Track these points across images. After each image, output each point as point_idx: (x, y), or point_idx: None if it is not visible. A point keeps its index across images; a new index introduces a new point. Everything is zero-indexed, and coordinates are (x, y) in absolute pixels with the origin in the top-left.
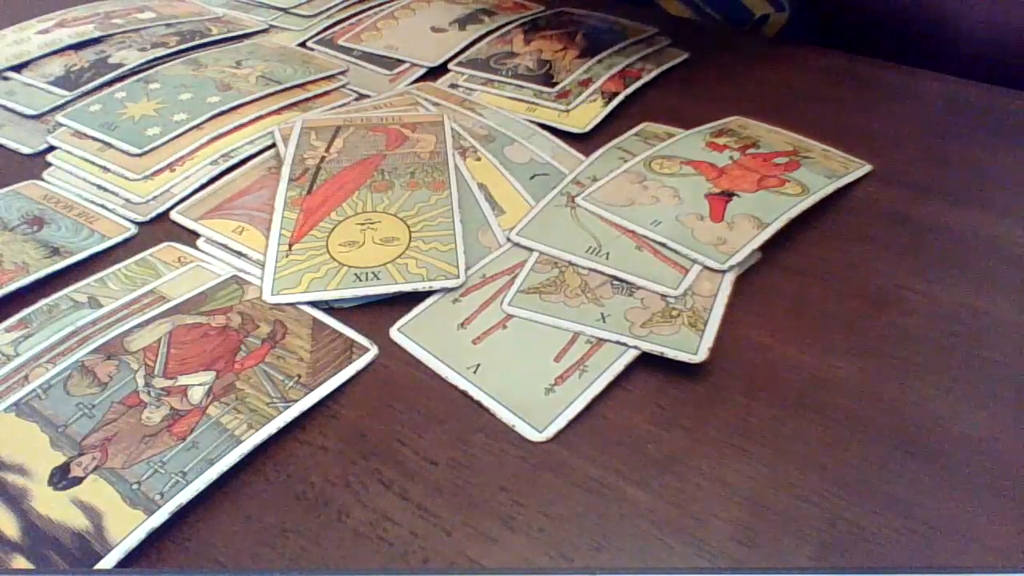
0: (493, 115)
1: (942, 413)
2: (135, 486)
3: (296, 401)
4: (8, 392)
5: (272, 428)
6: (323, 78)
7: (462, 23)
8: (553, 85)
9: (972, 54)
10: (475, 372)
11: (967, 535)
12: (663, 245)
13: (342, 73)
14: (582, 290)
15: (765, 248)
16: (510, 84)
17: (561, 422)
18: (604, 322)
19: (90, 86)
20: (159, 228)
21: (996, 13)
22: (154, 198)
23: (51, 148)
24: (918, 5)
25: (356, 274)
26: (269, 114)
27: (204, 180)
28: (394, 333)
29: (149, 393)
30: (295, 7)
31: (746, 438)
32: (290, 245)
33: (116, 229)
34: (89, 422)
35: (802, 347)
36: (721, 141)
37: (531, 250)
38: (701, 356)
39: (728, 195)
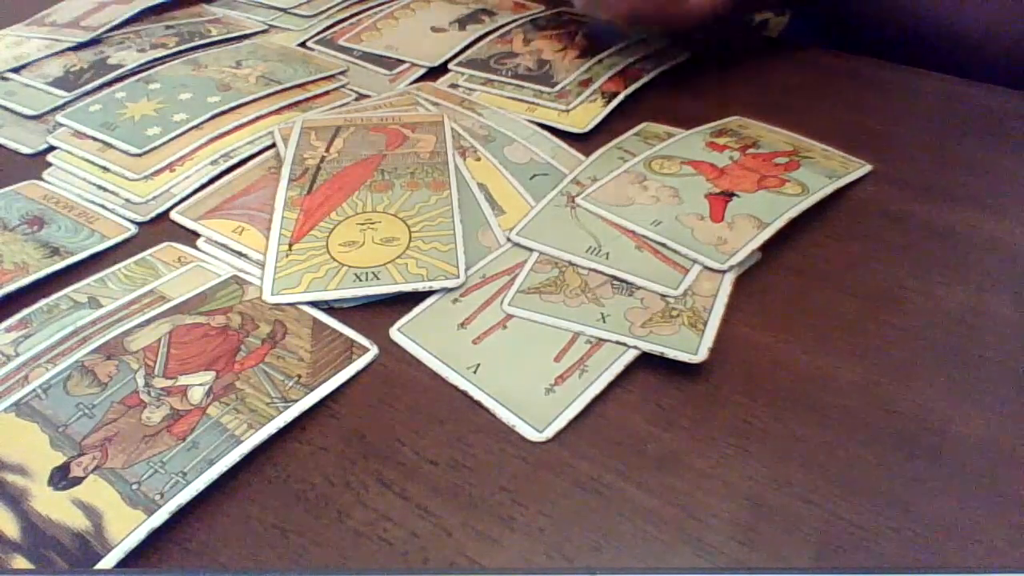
0: (493, 115)
1: (942, 413)
2: (135, 486)
3: (296, 401)
4: (8, 392)
5: (272, 428)
6: (323, 78)
7: (462, 23)
8: (553, 85)
9: (972, 54)
10: (475, 372)
11: (967, 535)
12: (663, 245)
13: (342, 73)
14: (582, 290)
15: (765, 248)
16: (510, 84)
17: (561, 422)
18: (604, 322)
19: (89, 87)
20: (159, 228)
21: (996, 13)
22: (154, 198)
23: (51, 148)
24: (918, 5)
25: (356, 274)
26: (269, 114)
27: (204, 180)
28: (394, 333)
29: (149, 393)
30: (295, 7)
31: (746, 438)
32: (290, 245)
33: (116, 229)
34: (89, 422)
35: (802, 347)
36: (721, 141)
37: (531, 250)
38: (701, 356)
39: (728, 195)
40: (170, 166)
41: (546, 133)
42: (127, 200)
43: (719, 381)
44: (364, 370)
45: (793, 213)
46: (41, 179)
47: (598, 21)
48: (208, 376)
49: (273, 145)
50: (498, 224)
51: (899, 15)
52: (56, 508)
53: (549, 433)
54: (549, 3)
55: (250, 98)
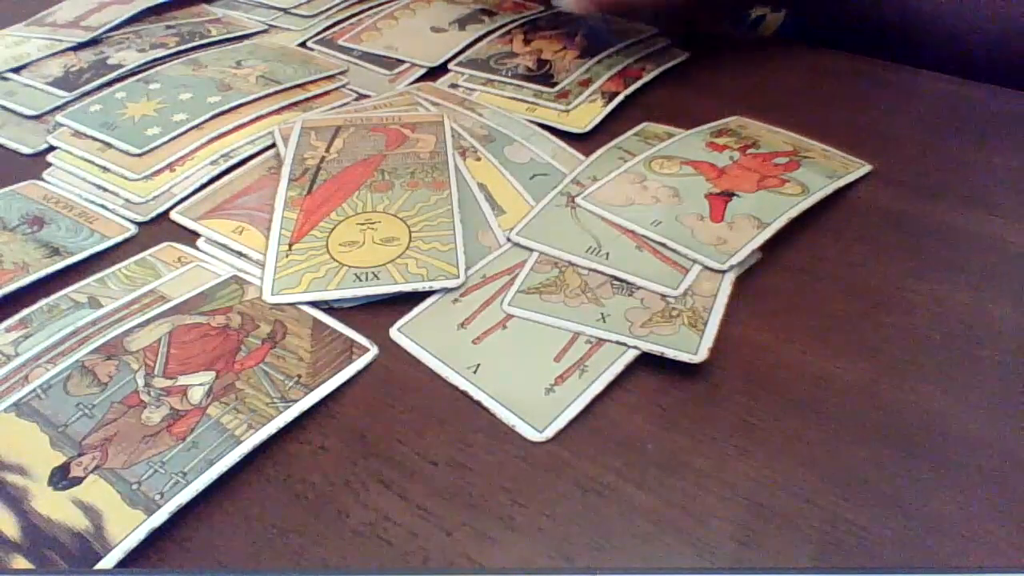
0: (493, 115)
1: (942, 413)
2: (135, 486)
3: (296, 401)
4: (8, 392)
5: (272, 428)
6: (323, 78)
7: (462, 23)
8: (553, 85)
9: (971, 54)
10: (475, 372)
11: (967, 535)
12: (663, 245)
13: (342, 73)
14: (582, 290)
15: (765, 248)
16: (510, 84)
17: (561, 422)
18: (604, 322)
19: (89, 87)
20: (159, 228)
21: (995, 13)
22: (154, 198)
23: (51, 148)
24: (917, 4)
25: (356, 274)
26: (269, 114)
27: (204, 180)
28: (394, 333)
29: (149, 393)
30: (295, 7)
31: (746, 438)
32: (290, 245)
33: (116, 229)
34: (89, 422)
35: (802, 347)
36: (721, 141)
37: (531, 250)
38: (701, 356)
39: (728, 195)
40: (170, 166)
41: (546, 133)
42: (127, 200)
43: (719, 381)
44: (364, 370)
45: (793, 213)
46: (41, 179)
47: (598, 20)
48: (208, 376)
49: (273, 145)
50: (498, 224)
51: (897, 15)
52: (56, 508)
53: (549, 433)
54: (549, 3)
55: (250, 98)
